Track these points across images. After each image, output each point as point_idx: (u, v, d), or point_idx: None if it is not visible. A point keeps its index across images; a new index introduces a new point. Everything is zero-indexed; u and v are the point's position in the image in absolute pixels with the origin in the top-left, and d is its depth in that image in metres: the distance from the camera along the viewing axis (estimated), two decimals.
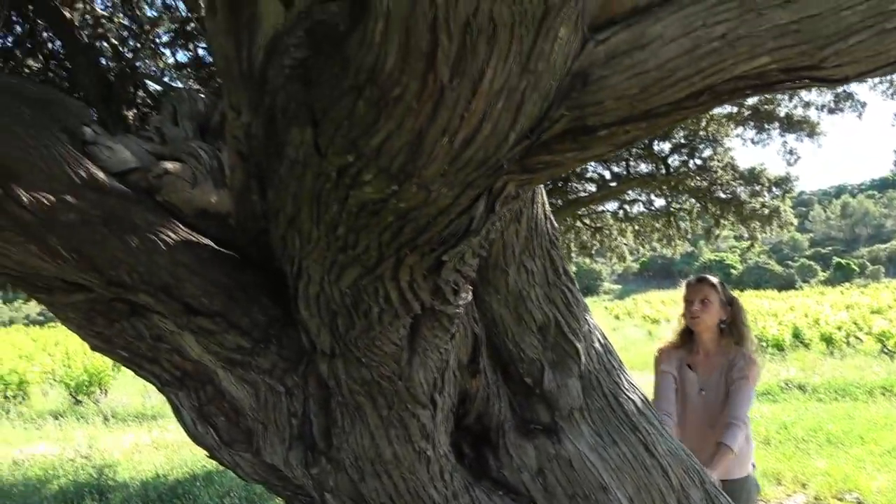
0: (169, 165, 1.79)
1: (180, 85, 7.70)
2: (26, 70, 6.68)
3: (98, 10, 6.29)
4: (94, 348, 1.88)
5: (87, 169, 1.60)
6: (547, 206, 1.79)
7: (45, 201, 1.51)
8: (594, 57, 0.92)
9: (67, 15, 5.55)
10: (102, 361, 13.88)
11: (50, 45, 6.72)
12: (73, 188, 1.56)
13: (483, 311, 1.78)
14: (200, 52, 7.45)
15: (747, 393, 2.89)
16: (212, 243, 1.78)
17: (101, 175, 1.63)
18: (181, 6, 7.14)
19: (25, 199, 1.48)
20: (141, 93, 6.51)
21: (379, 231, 1.11)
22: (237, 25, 1.34)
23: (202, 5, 6.18)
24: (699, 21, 0.91)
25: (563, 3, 0.78)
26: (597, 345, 1.95)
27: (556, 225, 1.85)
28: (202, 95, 2.36)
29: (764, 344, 15.48)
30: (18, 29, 6.44)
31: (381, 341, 1.39)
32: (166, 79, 7.52)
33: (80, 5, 5.75)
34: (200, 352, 1.80)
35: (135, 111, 5.85)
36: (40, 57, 6.46)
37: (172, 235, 1.69)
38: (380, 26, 0.81)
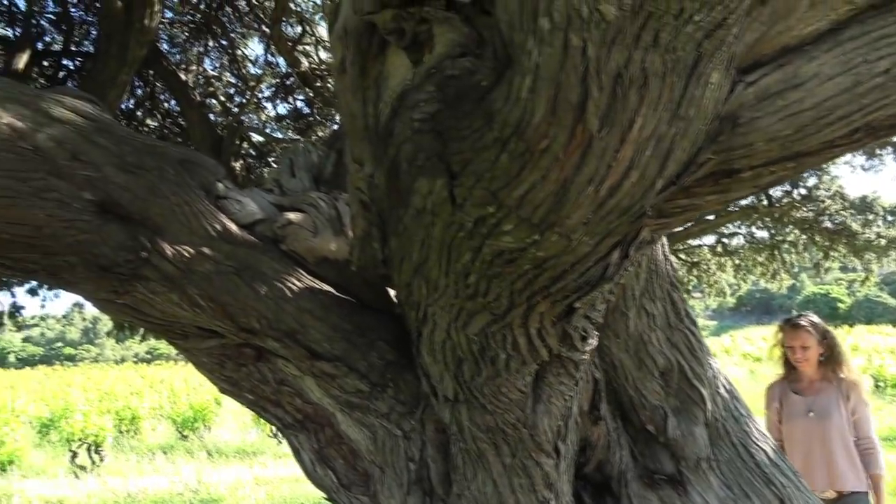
0: (291, 216, 1.88)
1: (280, 135, 8.13)
2: (145, 128, 7.27)
3: (209, 70, 6.80)
4: (222, 391, 1.97)
5: (222, 222, 1.71)
6: (666, 246, 1.74)
7: (186, 253, 1.62)
8: (744, 99, 0.90)
9: (182, 77, 6.02)
10: (205, 398, 14.54)
11: (165, 105, 7.30)
12: (209, 241, 1.66)
13: (602, 355, 1.73)
14: (298, 104, 7.87)
15: (869, 414, 3.29)
16: (332, 289, 1.84)
17: (233, 227, 1.74)
18: (281, 62, 7.59)
19: (169, 252, 1.60)
20: (246, 145, 6.93)
21: (512, 279, 1.11)
22: (364, 84, 1.40)
23: (300, 60, 6.55)
24: (859, 57, 0.87)
25: (716, 48, 0.77)
26: (722, 391, 1.85)
27: (675, 266, 1.80)
28: (316, 148, 2.48)
29: (882, 384, 14.25)
30: (139, 92, 7.04)
31: (507, 388, 1.38)
32: (268, 130, 7.97)
33: (193, 67, 6.24)
34: (321, 395, 1.85)
35: (242, 162, 6.23)
36: (157, 115, 7.03)
37: (297, 283, 1.76)
38: (527, 81, 0.82)
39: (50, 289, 8.29)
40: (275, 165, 7.97)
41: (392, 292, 1.95)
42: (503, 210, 0.95)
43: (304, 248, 1.84)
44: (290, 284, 1.74)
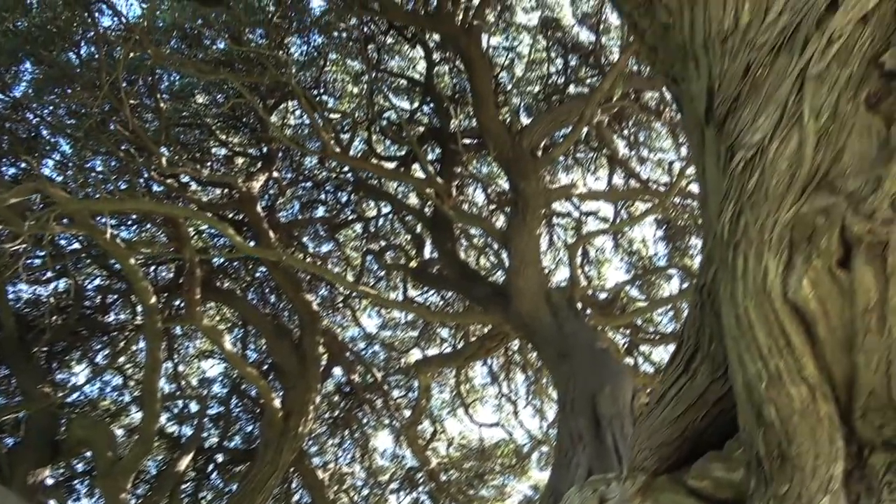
0: None
1: None
2: None
3: (342, 465, 7.16)
4: None
5: None
6: None
7: None
8: None
9: (320, 475, 6.33)
10: None
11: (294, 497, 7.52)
12: None
13: None
14: (421, 497, 7.88)
15: None
16: None
17: None
18: (408, 455, 7.89)
19: None
20: None
21: None
22: None
23: (430, 458, 6.75)
24: None
25: None
26: None
27: None
28: None
29: None
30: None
31: None
32: None
33: (331, 466, 6.61)
34: None
35: None
36: None
37: None
38: None
39: None
40: None
41: None
42: None
43: None
44: None
